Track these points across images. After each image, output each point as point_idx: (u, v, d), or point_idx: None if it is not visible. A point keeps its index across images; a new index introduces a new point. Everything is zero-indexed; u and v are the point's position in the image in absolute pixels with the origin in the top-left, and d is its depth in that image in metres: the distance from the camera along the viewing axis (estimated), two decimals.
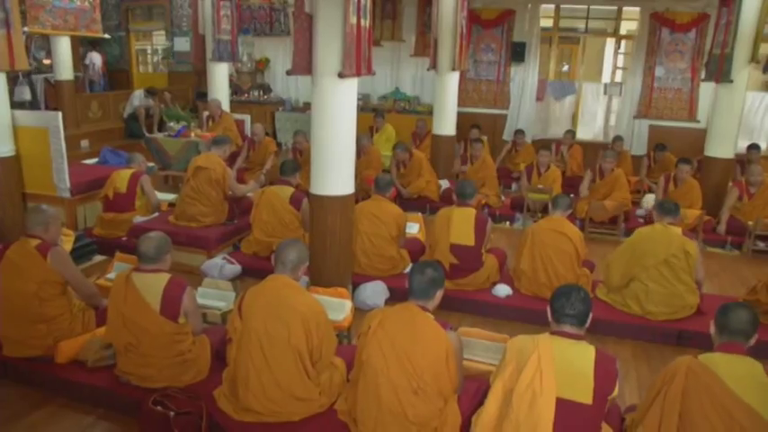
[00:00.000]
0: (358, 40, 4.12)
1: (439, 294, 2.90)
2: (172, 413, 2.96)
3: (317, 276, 4.59)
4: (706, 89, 9.50)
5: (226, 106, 9.02)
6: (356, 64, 4.14)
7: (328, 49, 4.14)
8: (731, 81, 7.18)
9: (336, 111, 4.30)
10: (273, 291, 3.02)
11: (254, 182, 6.74)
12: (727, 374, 2.47)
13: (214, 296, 4.16)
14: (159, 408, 2.99)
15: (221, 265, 5.09)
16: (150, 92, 11.04)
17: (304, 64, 4.25)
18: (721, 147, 7.46)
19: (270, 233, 5.30)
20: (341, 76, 4.11)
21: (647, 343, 4.56)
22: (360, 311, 4.26)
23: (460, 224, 4.91)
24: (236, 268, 5.13)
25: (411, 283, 2.86)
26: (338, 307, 3.90)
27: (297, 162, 6.18)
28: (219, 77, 9.00)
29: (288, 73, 4.36)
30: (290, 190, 5.43)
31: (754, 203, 6.77)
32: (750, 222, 6.63)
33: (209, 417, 3.04)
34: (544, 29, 10.76)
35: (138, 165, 6.06)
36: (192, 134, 8.33)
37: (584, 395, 2.48)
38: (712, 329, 2.68)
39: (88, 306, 3.78)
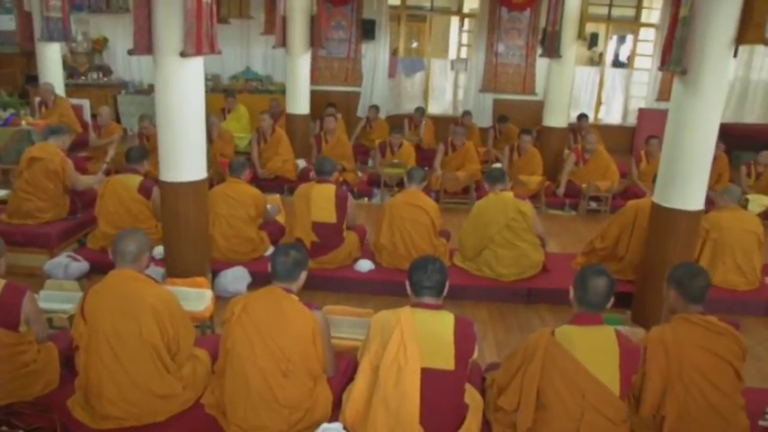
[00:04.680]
0: (199, 17, 3.94)
1: (303, 275, 2.91)
2: (20, 431, 2.72)
3: (173, 267, 4.40)
4: (542, 64, 10.21)
5: (60, 90, 8.33)
6: (198, 42, 3.96)
7: (169, 27, 3.92)
8: (561, 56, 7.79)
9: (182, 92, 4.10)
10: (117, 286, 2.84)
11: (100, 173, 6.26)
12: (580, 347, 2.56)
13: (59, 299, 3.84)
14: (4, 428, 2.74)
15: (66, 263, 4.72)
16: None
17: (144, 43, 4.00)
18: (556, 117, 8.11)
19: (118, 225, 4.96)
20: (183, 55, 3.92)
21: (501, 303, 4.88)
22: (221, 299, 4.15)
23: (321, 201, 4.91)
24: (82, 266, 4.79)
25: (274, 266, 2.84)
26: (197, 297, 3.76)
27: (144, 148, 5.83)
28: (51, 59, 8.24)
29: (129, 52, 4.09)
30: (137, 178, 5.13)
31: (587, 168, 7.45)
32: (584, 185, 7.28)
33: (65, 430, 2.83)
34: (392, 7, 10.95)
35: None
36: (23, 122, 7.60)
37: (447, 361, 2.59)
38: (571, 295, 2.75)
39: None
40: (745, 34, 3.82)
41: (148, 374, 2.80)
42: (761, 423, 3.05)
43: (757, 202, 6.93)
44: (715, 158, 6.76)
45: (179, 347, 2.93)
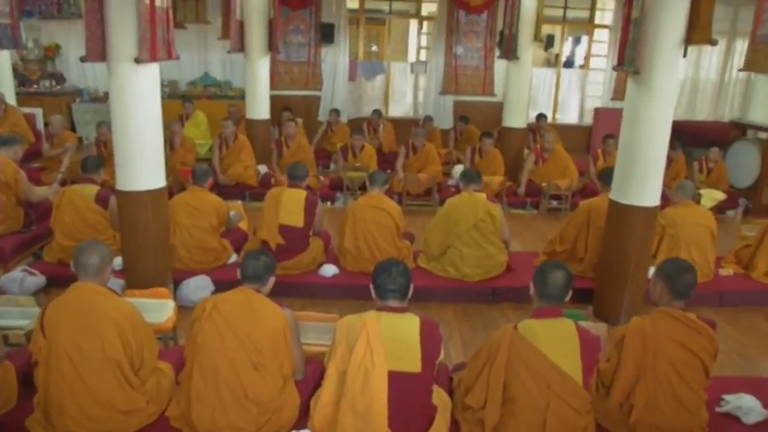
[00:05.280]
0: (153, 22, 3.87)
1: (271, 280, 2.97)
2: None
3: (133, 278, 4.31)
4: (501, 66, 10.34)
5: (11, 99, 8.08)
6: (152, 48, 3.89)
7: (122, 33, 3.85)
8: (518, 58, 7.90)
9: (138, 99, 4.02)
10: (79, 300, 2.77)
11: (56, 183, 6.10)
12: (543, 340, 2.63)
13: (15, 315, 3.71)
14: None
15: (21, 277, 4.60)
16: None
17: (98, 49, 3.92)
18: (515, 118, 8.23)
19: (75, 237, 4.84)
20: (137, 61, 3.85)
21: (466, 303, 4.92)
22: (184, 309, 4.08)
23: (290, 205, 4.91)
24: (39, 280, 4.66)
25: (245, 269, 2.90)
26: (159, 308, 3.69)
27: (101, 156, 5.71)
28: (0, 67, 8.01)
29: (82, 59, 4.00)
30: (94, 188, 5.01)
31: (547, 167, 7.58)
32: (544, 184, 7.40)
33: None
34: (351, 10, 10.96)
35: None
36: None
37: (413, 364, 2.61)
38: (532, 290, 2.81)
39: None
40: (694, 35, 3.95)
41: (111, 390, 2.74)
42: (717, 410, 3.16)
43: (709, 196, 7.16)
44: (673, 160, 7.03)
45: (143, 361, 2.88)
